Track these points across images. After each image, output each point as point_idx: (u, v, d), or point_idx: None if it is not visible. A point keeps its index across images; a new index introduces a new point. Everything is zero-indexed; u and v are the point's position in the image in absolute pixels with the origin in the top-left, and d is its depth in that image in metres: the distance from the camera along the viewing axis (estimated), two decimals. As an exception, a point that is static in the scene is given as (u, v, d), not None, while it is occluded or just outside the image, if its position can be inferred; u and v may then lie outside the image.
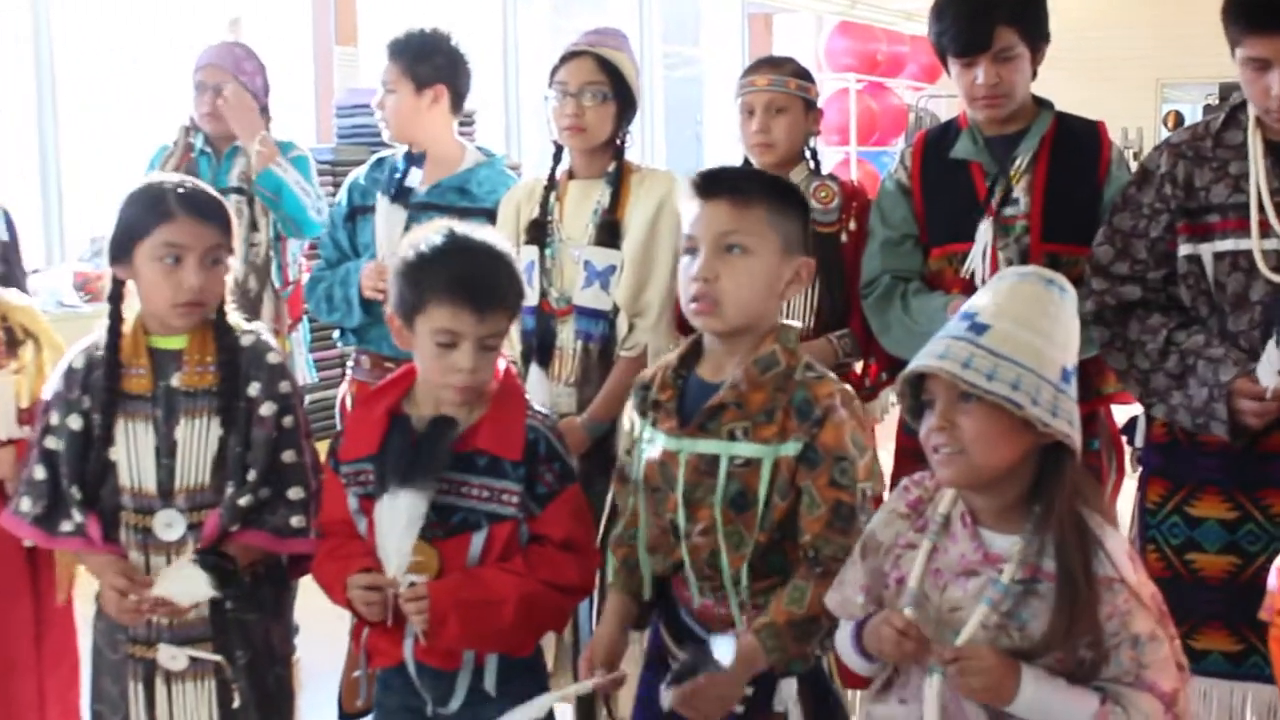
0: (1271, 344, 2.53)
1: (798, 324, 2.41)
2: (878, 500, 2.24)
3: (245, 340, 2.65)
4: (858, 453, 2.23)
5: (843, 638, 2.14)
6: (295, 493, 2.61)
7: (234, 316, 2.67)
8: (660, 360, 2.46)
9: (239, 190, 4.13)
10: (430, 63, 3.62)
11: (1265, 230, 2.65)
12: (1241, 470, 2.70)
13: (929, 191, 3.18)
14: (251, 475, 2.58)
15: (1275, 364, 2.52)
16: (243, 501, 2.57)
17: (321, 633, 3.64)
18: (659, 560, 2.38)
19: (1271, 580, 2.00)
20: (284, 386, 2.63)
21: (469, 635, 2.34)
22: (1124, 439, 3.01)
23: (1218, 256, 2.70)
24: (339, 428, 3.51)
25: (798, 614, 2.20)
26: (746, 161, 3.46)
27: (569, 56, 3.30)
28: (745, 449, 2.24)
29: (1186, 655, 2.59)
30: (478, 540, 2.37)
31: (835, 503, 2.20)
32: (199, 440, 2.58)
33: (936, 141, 3.22)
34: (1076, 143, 3.11)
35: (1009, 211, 3.05)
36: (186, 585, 2.49)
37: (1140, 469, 2.92)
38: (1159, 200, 2.79)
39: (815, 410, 2.22)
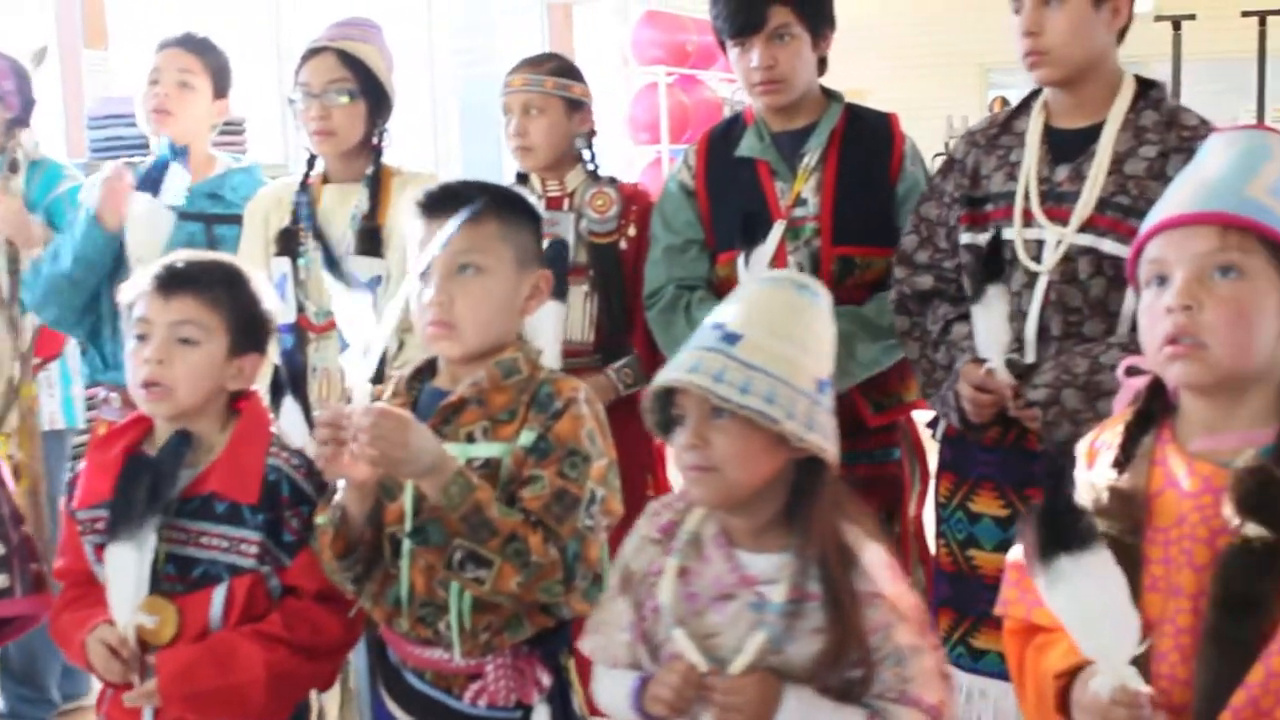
0: (985, 313, 2.51)
1: (541, 347, 2.33)
2: (608, 512, 2.15)
3: None
4: (594, 453, 2.13)
5: (613, 697, 2.02)
6: None
7: None
8: (396, 375, 2.37)
9: None
10: (227, 70, 3.50)
11: (1029, 219, 2.58)
12: (1013, 467, 2.64)
13: (714, 193, 3.08)
14: None
15: (992, 338, 2.50)
16: None
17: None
18: (370, 594, 2.23)
19: (1006, 577, 1.94)
20: None
21: None
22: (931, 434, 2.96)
23: (987, 245, 2.62)
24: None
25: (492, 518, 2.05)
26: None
27: (310, 54, 3.13)
28: (485, 449, 2.14)
29: (967, 654, 2.67)
30: (218, 595, 2.25)
31: (561, 490, 2.09)
32: None
33: (721, 139, 3.14)
34: (868, 137, 3.04)
35: (798, 213, 2.97)
36: None
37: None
38: (956, 189, 2.72)
39: (556, 403, 2.14)
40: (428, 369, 2.29)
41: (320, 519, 2.18)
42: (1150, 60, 13.91)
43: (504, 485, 2.12)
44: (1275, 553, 1.58)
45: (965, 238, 2.66)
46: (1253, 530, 1.58)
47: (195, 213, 3.34)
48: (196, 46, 3.43)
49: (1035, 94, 2.68)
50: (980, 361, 2.54)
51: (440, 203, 2.18)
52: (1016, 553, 1.91)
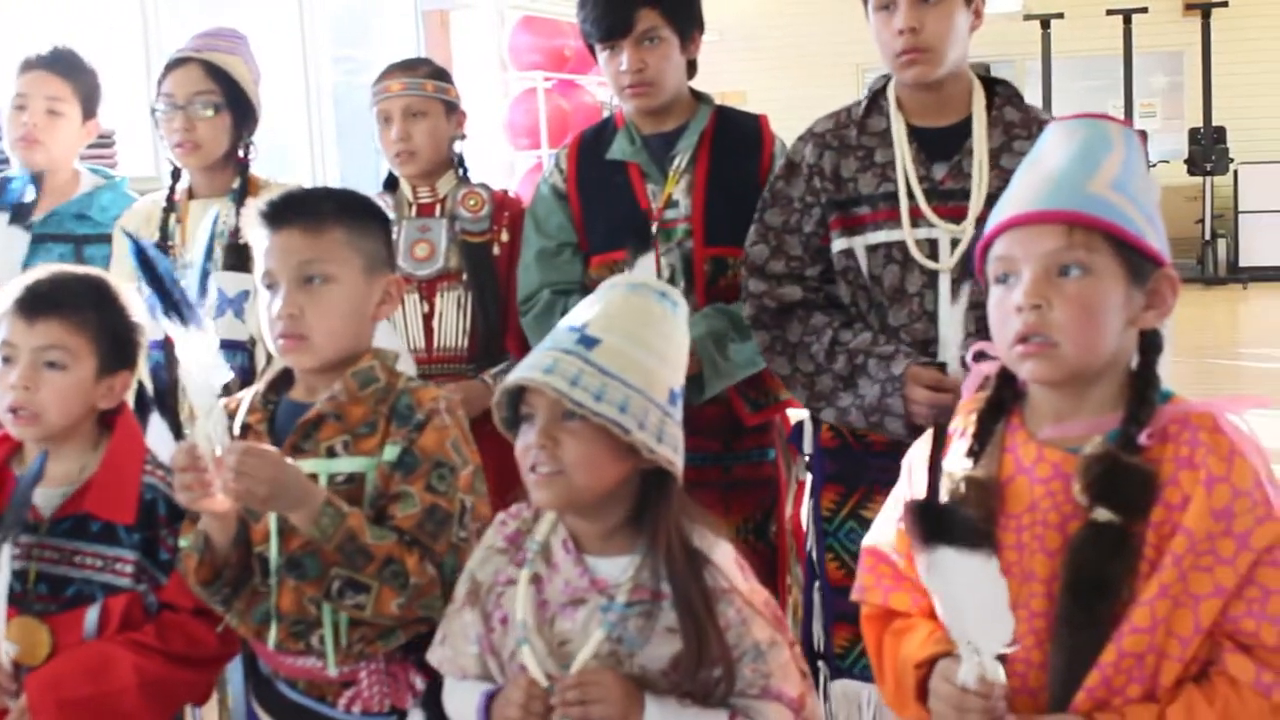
0: (954, 311, 2.49)
1: (396, 350, 2.29)
2: (478, 518, 2.13)
3: None
4: (460, 461, 2.13)
5: (462, 709, 1.99)
6: None
7: None
8: (251, 390, 2.33)
9: None
10: (97, 90, 3.37)
11: (917, 218, 2.57)
12: None
13: (586, 196, 3.07)
14: None
15: (953, 337, 2.47)
16: None
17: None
18: (237, 612, 2.19)
19: (860, 564, 1.96)
20: None
21: None
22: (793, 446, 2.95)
23: (871, 249, 2.62)
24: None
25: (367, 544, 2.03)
26: (391, 175, 3.30)
27: (174, 64, 3.08)
28: (346, 464, 2.12)
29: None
30: (92, 615, 2.22)
31: (431, 506, 2.08)
32: None
33: (593, 142, 3.13)
34: (738, 138, 3.04)
35: (670, 215, 2.98)
36: None
37: (810, 475, 2.85)
38: (809, 193, 2.68)
39: (417, 414, 2.13)
40: (283, 380, 2.26)
41: (184, 542, 2.16)
42: (1021, 58, 14.25)
43: (371, 501, 2.10)
44: (1123, 536, 1.62)
45: (839, 244, 2.64)
46: (1101, 515, 1.62)
47: (64, 234, 3.26)
48: (64, 69, 3.30)
49: (879, 93, 2.68)
50: (923, 364, 2.51)
51: (282, 211, 2.16)
52: (871, 539, 1.94)
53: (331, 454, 2.13)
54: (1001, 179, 2.48)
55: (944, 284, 2.55)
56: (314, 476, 2.08)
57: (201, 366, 2.01)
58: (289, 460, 2.04)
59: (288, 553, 2.08)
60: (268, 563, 2.13)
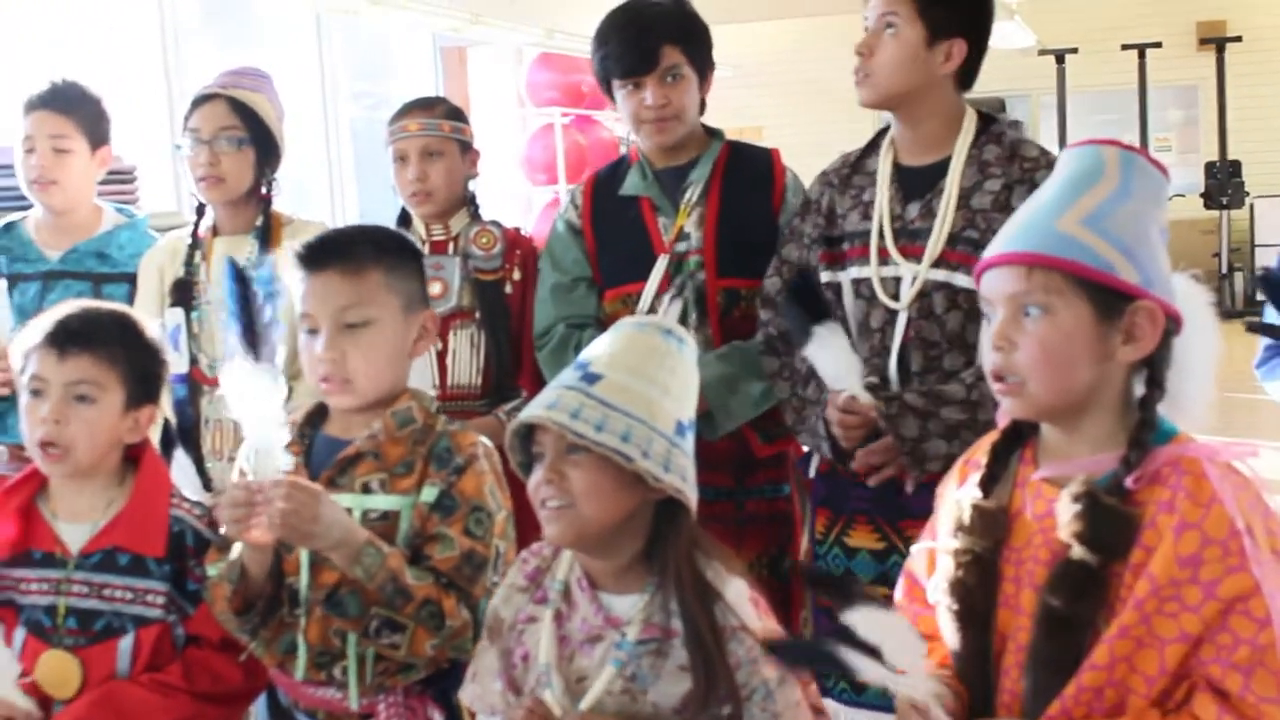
0: (820, 349, 2.52)
1: (432, 392, 2.30)
2: (508, 563, 2.14)
3: None
4: (495, 507, 2.16)
5: None
6: None
7: None
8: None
9: None
10: (102, 118, 3.32)
11: (884, 257, 2.62)
12: (887, 502, 2.64)
13: (600, 231, 3.10)
14: None
15: (840, 368, 2.52)
16: None
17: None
18: (263, 641, 2.20)
19: (899, 586, 2.00)
20: None
21: None
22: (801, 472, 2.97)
23: (852, 284, 2.68)
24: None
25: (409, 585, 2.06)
26: (404, 211, 3.31)
27: (200, 101, 3.11)
28: (382, 501, 2.14)
29: (851, 689, 2.62)
30: (124, 647, 2.23)
31: (469, 551, 2.11)
32: None
33: (608, 179, 3.16)
34: (749, 171, 3.07)
35: (682, 247, 3.00)
36: None
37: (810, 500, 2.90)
38: (814, 229, 2.76)
39: (457, 458, 2.15)
40: (318, 414, 2.27)
41: (211, 570, 2.18)
42: (1036, 93, 14.28)
43: (407, 541, 2.12)
44: (1096, 576, 1.64)
45: (825, 276, 2.69)
46: (1078, 553, 1.64)
47: (83, 272, 3.25)
48: (64, 105, 3.26)
49: (883, 132, 2.73)
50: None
51: (319, 254, 2.17)
52: (911, 563, 1.97)
53: (367, 490, 2.15)
54: (966, 219, 2.56)
55: (900, 322, 2.59)
56: (349, 511, 2.10)
57: (263, 401, 2.03)
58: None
59: (327, 589, 2.10)
60: (297, 593, 2.15)
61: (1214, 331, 1.75)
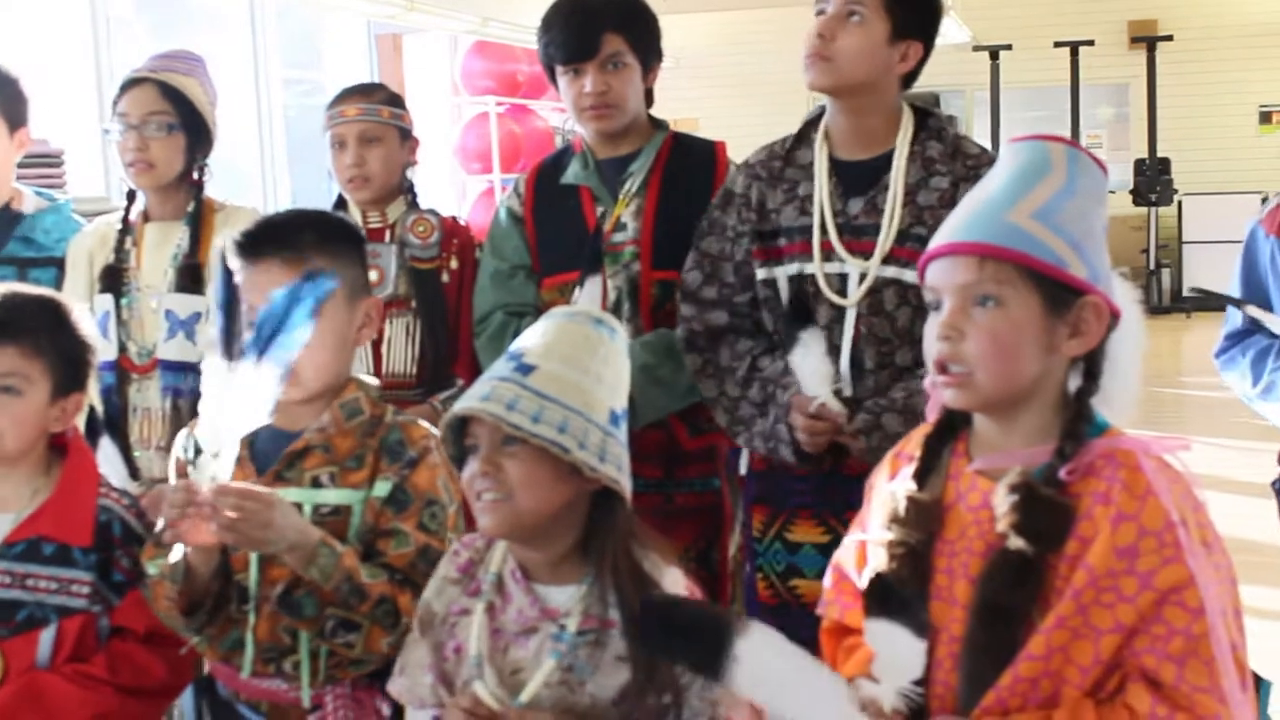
0: (804, 355, 2.53)
1: (376, 381, 2.28)
2: None
3: None
4: (448, 500, 2.15)
5: None
6: None
7: None
8: None
9: None
10: (20, 98, 3.21)
11: (828, 253, 2.61)
12: (831, 494, 2.64)
13: (540, 219, 3.10)
14: None
15: (817, 376, 2.52)
16: None
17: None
18: (208, 638, 2.17)
19: (826, 579, 2.00)
20: None
21: None
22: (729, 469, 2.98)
23: (790, 280, 2.66)
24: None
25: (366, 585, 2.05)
26: (340, 198, 3.29)
27: (129, 84, 3.06)
28: (333, 495, 2.12)
29: None
30: (46, 638, 2.20)
31: (424, 546, 2.10)
32: None
33: (551, 168, 3.16)
34: (692, 164, 3.06)
35: (618, 238, 2.99)
36: None
37: (743, 496, 2.89)
38: (740, 223, 2.73)
39: (409, 451, 2.14)
40: None
41: (151, 567, 2.14)
42: (970, 88, 14.42)
43: (359, 536, 2.10)
44: (1032, 566, 1.65)
45: (761, 273, 2.68)
46: (1014, 543, 1.64)
47: (7, 257, 3.18)
48: None
49: (811, 125, 2.72)
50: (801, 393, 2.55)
51: (260, 242, 2.14)
52: (838, 556, 1.97)
53: (317, 484, 2.13)
54: (914, 215, 2.56)
55: (849, 319, 2.59)
56: (298, 506, 2.08)
57: (240, 405, 1.96)
58: (278, 493, 2.03)
59: (281, 590, 2.07)
60: (245, 590, 2.12)
61: (1140, 327, 1.77)
